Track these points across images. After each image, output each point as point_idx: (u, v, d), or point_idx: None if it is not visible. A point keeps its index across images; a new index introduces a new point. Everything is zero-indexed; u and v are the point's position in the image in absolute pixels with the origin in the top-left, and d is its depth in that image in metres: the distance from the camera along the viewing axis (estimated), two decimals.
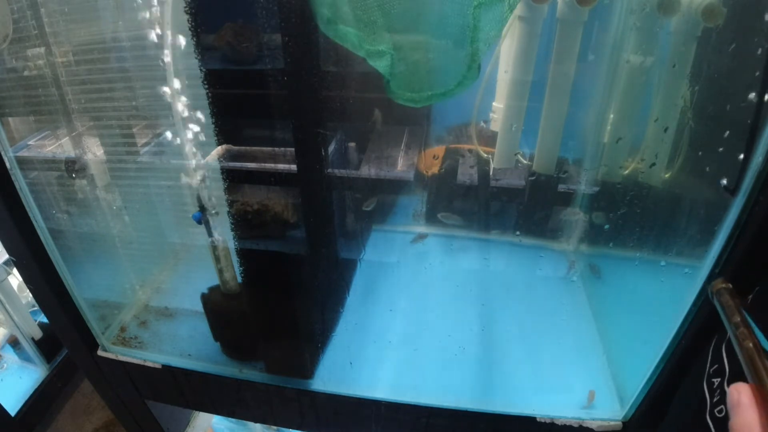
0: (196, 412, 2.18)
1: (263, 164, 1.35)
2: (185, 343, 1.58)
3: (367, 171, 1.64)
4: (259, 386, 1.48)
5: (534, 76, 1.38)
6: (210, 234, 1.34)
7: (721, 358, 0.76)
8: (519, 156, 1.55)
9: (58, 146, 1.49)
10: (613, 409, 1.35)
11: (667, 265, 1.27)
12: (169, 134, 1.25)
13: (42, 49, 1.24)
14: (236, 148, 1.40)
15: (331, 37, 1.02)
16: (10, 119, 1.34)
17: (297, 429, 1.63)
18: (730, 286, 0.57)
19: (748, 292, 0.83)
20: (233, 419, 2.42)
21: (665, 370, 1.14)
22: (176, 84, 1.15)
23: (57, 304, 1.44)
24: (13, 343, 2.41)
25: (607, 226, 1.65)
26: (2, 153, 1.21)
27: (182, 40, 1.11)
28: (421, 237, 1.61)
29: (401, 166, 1.68)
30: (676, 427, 1.01)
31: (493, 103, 1.49)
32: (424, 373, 1.48)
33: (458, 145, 1.81)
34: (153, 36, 1.11)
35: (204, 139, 1.25)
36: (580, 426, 1.32)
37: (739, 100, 0.92)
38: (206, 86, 1.14)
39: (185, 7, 1.05)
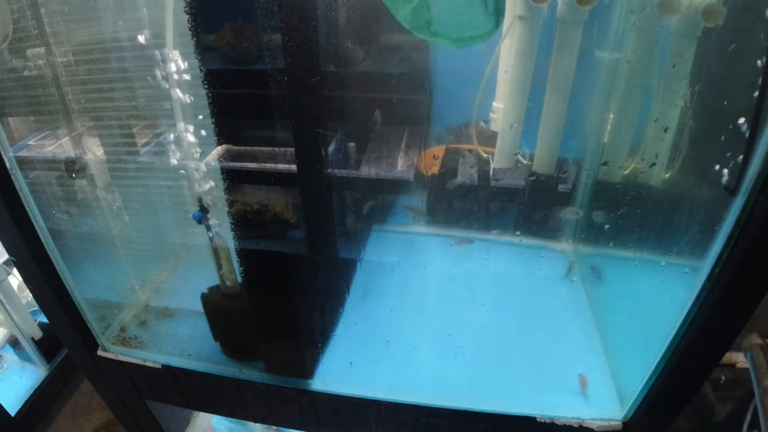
0: (196, 412, 2.18)
1: (263, 164, 1.35)
2: (185, 343, 1.58)
3: (367, 171, 1.64)
4: (259, 386, 1.48)
5: (534, 76, 1.38)
6: (210, 234, 1.34)
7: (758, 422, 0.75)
8: (519, 156, 1.55)
9: (58, 146, 1.49)
10: (613, 409, 1.35)
11: (667, 265, 1.27)
12: (169, 134, 1.25)
13: (42, 49, 1.24)
14: (236, 148, 1.40)
15: None
16: (10, 119, 1.34)
17: (297, 429, 1.63)
18: (766, 342, 0.55)
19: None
20: (233, 419, 2.42)
21: (665, 370, 1.14)
22: (176, 84, 1.15)
23: (57, 304, 1.44)
24: (13, 343, 2.41)
25: (607, 226, 1.65)
26: (2, 153, 1.21)
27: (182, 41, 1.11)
28: (466, 241, 1.58)
29: (401, 166, 1.68)
30: None
31: (493, 103, 1.49)
32: (425, 373, 1.48)
33: (458, 145, 1.81)
34: (152, 36, 1.11)
35: (204, 139, 1.25)
36: (580, 426, 1.32)
37: (739, 100, 0.92)
38: (206, 86, 1.14)
39: (185, 7, 1.05)
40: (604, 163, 1.53)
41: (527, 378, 1.46)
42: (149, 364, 1.53)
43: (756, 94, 0.86)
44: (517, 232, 1.90)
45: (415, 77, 1.47)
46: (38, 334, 2.33)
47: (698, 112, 1.20)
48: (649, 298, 1.39)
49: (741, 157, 0.88)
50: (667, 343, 1.11)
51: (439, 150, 1.83)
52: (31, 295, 1.60)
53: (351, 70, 1.33)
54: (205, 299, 1.48)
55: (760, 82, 0.85)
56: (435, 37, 1.11)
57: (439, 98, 1.57)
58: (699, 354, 1.08)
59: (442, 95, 1.57)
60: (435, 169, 1.83)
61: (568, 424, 1.32)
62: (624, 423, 1.31)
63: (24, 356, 2.38)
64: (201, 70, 1.13)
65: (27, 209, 1.30)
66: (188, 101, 1.18)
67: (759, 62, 0.85)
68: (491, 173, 1.72)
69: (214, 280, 1.44)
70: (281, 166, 1.30)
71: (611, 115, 1.52)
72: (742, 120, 0.88)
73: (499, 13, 1.13)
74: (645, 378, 1.20)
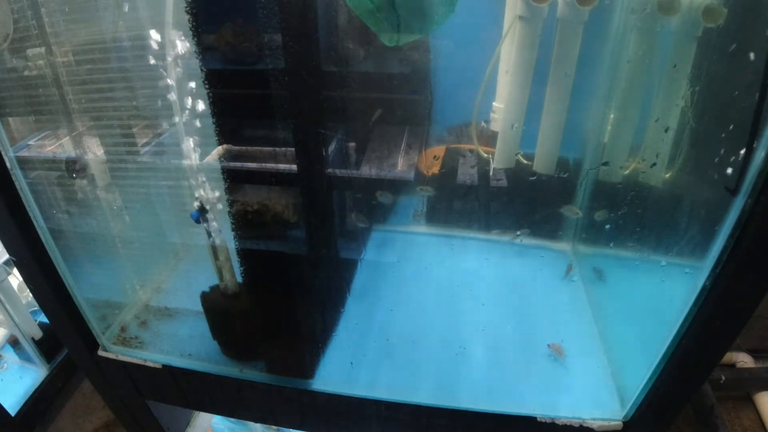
0: (196, 412, 2.18)
1: (263, 164, 1.35)
2: (185, 343, 1.58)
3: (367, 171, 1.63)
4: (259, 386, 1.48)
5: (534, 76, 1.38)
6: (209, 234, 1.34)
7: None
8: (519, 156, 1.55)
9: (59, 146, 1.49)
10: (614, 409, 1.35)
11: (668, 265, 1.27)
12: (169, 134, 1.25)
13: (42, 49, 1.24)
14: (236, 148, 1.40)
15: None
16: (10, 119, 1.34)
17: (297, 429, 1.63)
18: None
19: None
20: (233, 419, 2.42)
21: (666, 370, 1.14)
22: (176, 84, 1.15)
23: (57, 304, 1.44)
24: (13, 343, 2.41)
25: (608, 226, 1.65)
26: (2, 153, 1.21)
27: (183, 41, 1.11)
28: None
29: (401, 166, 1.68)
30: None
31: (494, 103, 1.49)
32: (425, 373, 1.48)
33: (459, 145, 1.81)
34: (153, 36, 1.11)
35: (204, 139, 1.25)
36: (581, 426, 1.32)
37: (740, 101, 0.92)
38: (206, 86, 1.14)
39: (185, 7, 1.05)
40: (605, 163, 1.53)
41: (527, 378, 1.46)
42: (149, 364, 1.53)
43: (755, 94, 0.86)
44: (518, 232, 1.90)
45: (415, 77, 1.47)
46: (38, 334, 2.33)
47: (699, 113, 1.20)
48: (650, 298, 1.39)
49: (741, 157, 0.88)
50: (667, 343, 1.11)
51: (439, 150, 1.83)
52: (31, 295, 1.59)
53: (351, 70, 1.33)
54: (205, 299, 1.48)
55: (760, 82, 0.85)
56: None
57: (439, 98, 1.57)
58: (699, 354, 1.08)
59: (443, 95, 1.57)
60: (435, 170, 1.83)
61: (568, 424, 1.32)
62: (624, 423, 1.31)
63: (24, 356, 2.39)
64: (201, 70, 1.13)
65: (27, 209, 1.30)
66: (188, 101, 1.18)
67: (759, 62, 0.85)
68: (491, 173, 1.72)
69: (214, 280, 1.44)
70: (281, 166, 1.30)
71: (612, 115, 1.52)
72: (742, 120, 0.88)
73: None
74: (645, 378, 1.20)
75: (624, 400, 1.34)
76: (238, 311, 1.45)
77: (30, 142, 1.49)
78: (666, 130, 1.31)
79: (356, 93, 1.40)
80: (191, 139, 1.22)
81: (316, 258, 1.46)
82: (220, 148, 1.33)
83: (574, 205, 1.81)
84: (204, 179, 1.28)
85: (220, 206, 1.32)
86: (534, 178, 1.62)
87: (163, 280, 1.84)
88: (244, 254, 1.36)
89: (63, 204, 1.51)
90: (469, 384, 1.45)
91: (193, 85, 1.16)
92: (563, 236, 1.96)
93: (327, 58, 1.22)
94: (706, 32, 1.15)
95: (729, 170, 0.92)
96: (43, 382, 2.32)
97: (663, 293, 1.29)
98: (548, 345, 1.44)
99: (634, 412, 1.28)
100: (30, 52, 1.25)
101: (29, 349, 2.31)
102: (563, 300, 1.75)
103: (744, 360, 2.48)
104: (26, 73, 1.28)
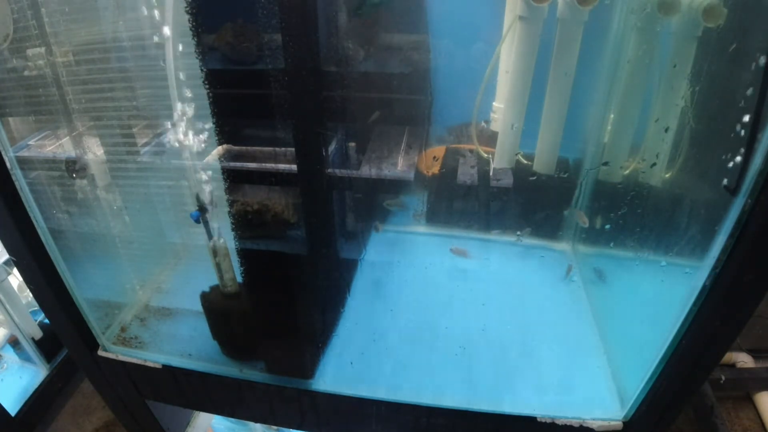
0: (196, 412, 2.18)
1: (263, 164, 1.35)
2: (185, 343, 1.58)
3: (367, 171, 1.63)
4: (259, 386, 1.48)
5: (534, 76, 1.38)
6: (209, 234, 1.34)
7: None
8: (519, 156, 1.55)
9: (59, 146, 1.49)
10: (614, 409, 1.35)
11: (668, 265, 1.27)
12: (169, 134, 1.25)
13: (42, 49, 1.24)
14: (236, 148, 1.40)
15: None
16: (10, 119, 1.34)
17: (297, 429, 1.63)
18: None
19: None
20: (233, 419, 2.42)
21: (665, 370, 1.14)
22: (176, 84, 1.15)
23: (57, 304, 1.44)
24: (13, 343, 2.41)
25: (607, 227, 1.65)
26: (3, 153, 1.21)
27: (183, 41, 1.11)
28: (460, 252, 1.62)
29: (401, 166, 1.68)
30: None
31: (494, 103, 1.49)
32: (425, 373, 1.48)
33: (459, 145, 1.81)
34: (154, 37, 1.11)
35: (204, 139, 1.25)
36: (581, 426, 1.32)
37: (740, 101, 0.92)
38: (207, 86, 1.14)
39: (185, 7, 1.05)
40: (605, 163, 1.53)
41: (527, 378, 1.46)
42: (149, 363, 1.53)
43: (755, 94, 0.86)
44: (518, 232, 1.90)
45: (415, 77, 1.47)
46: (38, 334, 2.32)
47: (699, 112, 1.20)
48: (650, 299, 1.39)
49: (741, 157, 0.88)
50: (667, 343, 1.11)
51: (439, 150, 1.83)
52: (31, 295, 1.59)
53: (351, 70, 1.33)
54: (205, 299, 1.47)
55: (760, 82, 0.85)
56: None
57: (439, 98, 1.57)
58: (699, 354, 1.08)
59: (443, 95, 1.57)
60: (435, 170, 1.83)
61: (568, 424, 1.32)
62: (624, 423, 1.31)
63: (24, 356, 2.38)
64: (201, 70, 1.13)
65: (27, 209, 1.30)
66: (188, 101, 1.18)
67: (759, 62, 0.85)
68: (491, 173, 1.72)
69: (214, 280, 1.44)
70: (281, 166, 1.30)
71: (612, 115, 1.52)
72: (742, 120, 0.88)
73: None
74: (645, 378, 1.20)
75: (624, 400, 1.34)
76: (238, 311, 1.45)
77: (30, 142, 1.49)
78: (666, 130, 1.30)
79: (356, 93, 1.40)
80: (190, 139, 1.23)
81: (316, 258, 1.45)
82: (220, 148, 1.34)
83: (575, 205, 1.81)
84: (204, 179, 1.28)
85: (217, 208, 1.32)
86: (534, 178, 1.62)
87: (163, 280, 1.84)
88: (244, 254, 1.36)
89: (63, 204, 1.51)
90: (469, 384, 1.45)
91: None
92: (563, 236, 1.96)
93: (327, 58, 1.22)
94: (706, 32, 1.15)
95: (729, 170, 0.92)
96: (43, 382, 2.32)
97: (663, 293, 1.29)
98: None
99: (634, 412, 1.28)
100: (30, 52, 1.25)
101: (29, 349, 2.31)
102: (563, 300, 1.75)
103: (744, 360, 2.47)
104: (26, 73, 1.28)
